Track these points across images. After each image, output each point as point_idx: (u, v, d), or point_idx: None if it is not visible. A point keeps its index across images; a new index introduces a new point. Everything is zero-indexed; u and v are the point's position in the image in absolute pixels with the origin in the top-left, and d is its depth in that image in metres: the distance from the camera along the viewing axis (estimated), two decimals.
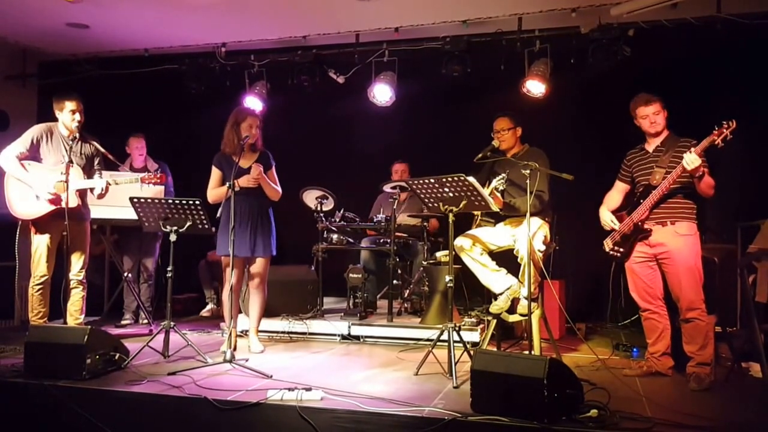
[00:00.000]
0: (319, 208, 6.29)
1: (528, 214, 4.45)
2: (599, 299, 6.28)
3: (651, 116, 4.56)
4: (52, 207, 5.07)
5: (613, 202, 4.84)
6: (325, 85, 6.98)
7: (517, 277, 4.87)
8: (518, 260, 4.81)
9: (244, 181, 4.98)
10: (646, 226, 4.51)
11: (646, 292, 4.60)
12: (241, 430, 3.62)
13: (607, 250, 4.75)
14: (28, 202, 5.10)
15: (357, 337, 5.80)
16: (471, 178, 4.34)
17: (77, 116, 5.16)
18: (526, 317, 4.69)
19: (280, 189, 5.21)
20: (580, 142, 6.48)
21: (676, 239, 4.42)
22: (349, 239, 6.50)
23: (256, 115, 5.26)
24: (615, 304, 5.20)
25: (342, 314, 6.20)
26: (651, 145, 4.65)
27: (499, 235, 5.03)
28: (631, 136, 4.81)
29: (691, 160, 4.18)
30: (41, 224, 5.15)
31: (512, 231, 4.98)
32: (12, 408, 4.04)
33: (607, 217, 4.73)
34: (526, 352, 4.59)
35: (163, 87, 7.38)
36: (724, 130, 4.14)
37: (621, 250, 4.65)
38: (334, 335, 5.83)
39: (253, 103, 6.95)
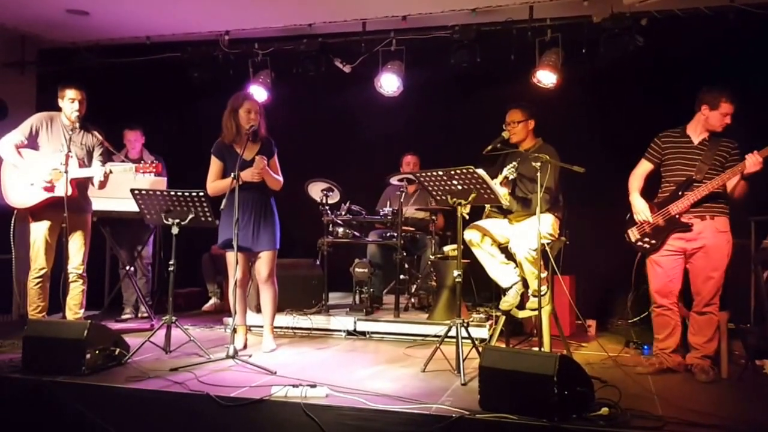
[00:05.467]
0: (324, 201, 6.29)
1: (538, 209, 4.46)
2: (610, 295, 6.30)
3: (729, 117, 4.50)
4: (47, 195, 5.11)
5: (640, 184, 4.78)
6: (331, 74, 6.97)
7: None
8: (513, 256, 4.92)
9: (247, 175, 4.87)
10: (684, 220, 4.50)
11: (666, 287, 4.60)
12: (244, 427, 3.64)
13: (633, 240, 4.72)
14: (23, 190, 5.13)
15: (363, 333, 5.81)
16: (480, 171, 4.34)
17: (76, 105, 5.18)
18: (536, 313, 4.71)
19: (281, 178, 5.13)
20: (592, 133, 6.48)
21: (716, 235, 4.45)
22: (355, 233, 6.50)
23: (253, 99, 5.18)
24: (626, 301, 5.20)
25: (348, 309, 6.21)
26: (697, 136, 4.60)
27: (507, 228, 5.04)
28: (644, 127, 4.80)
29: (753, 162, 4.25)
30: (39, 215, 5.18)
31: (518, 226, 5.00)
32: (10, 404, 4.05)
33: (641, 205, 4.67)
34: (536, 349, 4.60)
35: (165, 76, 7.38)
36: None
37: (653, 242, 4.63)
38: (340, 331, 5.85)
39: (258, 92, 6.94)
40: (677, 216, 4.52)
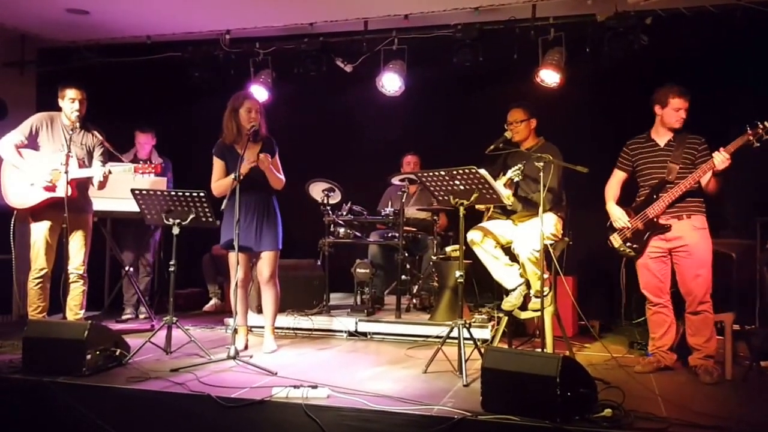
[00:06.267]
0: (325, 201, 6.31)
1: (541, 209, 4.47)
2: (613, 296, 6.30)
3: (683, 111, 4.60)
4: (48, 195, 5.13)
5: (616, 193, 4.89)
6: (333, 73, 6.97)
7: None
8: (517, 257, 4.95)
9: (245, 167, 4.82)
10: (662, 221, 4.55)
11: (658, 287, 4.68)
12: (245, 428, 3.65)
13: (617, 246, 4.78)
14: (23, 191, 5.16)
15: (364, 334, 5.83)
16: (482, 171, 4.36)
17: (76, 105, 5.21)
18: (539, 314, 4.72)
19: (283, 177, 5.14)
20: (595, 133, 6.47)
21: (694, 233, 4.51)
22: (357, 233, 6.51)
23: (254, 99, 5.21)
24: (629, 301, 5.22)
25: (349, 310, 6.23)
26: (662, 138, 4.70)
27: (510, 229, 5.06)
28: (648, 127, 4.81)
29: (722, 159, 4.31)
30: (39, 215, 5.20)
31: (521, 227, 5.01)
32: (10, 405, 4.07)
33: (618, 212, 4.77)
34: (539, 350, 4.62)
35: (165, 75, 7.38)
36: (760, 131, 4.24)
37: (635, 246, 4.68)
38: (341, 332, 5.87)
39: (258, 92, 6.95)
40: (655, 219, 4.60)
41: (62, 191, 5.00)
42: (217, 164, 5.09)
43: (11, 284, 5.72)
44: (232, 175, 4.73)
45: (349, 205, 6.42)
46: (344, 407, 3.59)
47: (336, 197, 6.38)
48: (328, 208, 6.33)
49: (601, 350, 5.21)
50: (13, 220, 5.26)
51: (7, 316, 6.77)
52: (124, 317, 6.70)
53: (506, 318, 5.07)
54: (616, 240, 4.78)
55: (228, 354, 4.60)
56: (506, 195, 4.84)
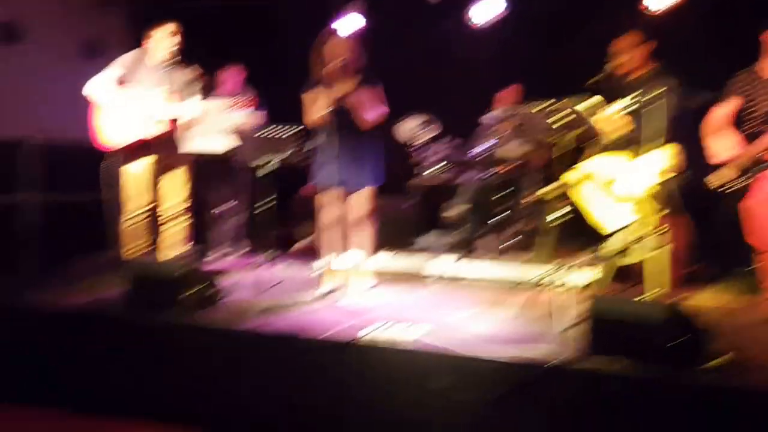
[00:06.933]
0: (418, 138, 6.22)
1: (651, 145, 4.29)
2: (729, 239, 6.03)
3: None
4: (142, 134, 5.24)
5: (716, 128, 4.65)
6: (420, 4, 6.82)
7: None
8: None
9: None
10: None
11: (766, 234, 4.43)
12: (333, 370, 3.69)
13: (717, 186, 4.58)
14: (117, 130, 5.26)
15: (457, 276, 5.79)
16: (583, 105, 4.21)
17: (176, 39, 5.26)
18: (647, 256, 4.55)
19: (381, 110, 5.07)
20: (716, 60, 6.11)
21: None
22: (450, 172, 6.42)
23: (339, 35, 5.17)
24: (742, 246, 4.97)
25: (442, 251, 6.19)
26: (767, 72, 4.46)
27: (615, 167, 4.88)
28: None
29: None
30: (133, 154, 5.32)
31: (627, 164, 4.83)
32: (103, 343, 4.22)
33: (719, 146, 4.54)
34: (644, 296, 4.47)
35: (252, 9, 7.36)
36: None
37: (738, 186, 4.48)
38: (433, 273, 5.84)
39: (353, 19, 6.82)
40: (762, 155, 4.35)
41: (158, 129, 5.09)
42: (308, 98, 5.04)
43: (106, 224, 5.94)
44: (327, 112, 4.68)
45: (446, 140, 6.30)
46: (435, 350, 3.57)
47: (429, 133, 6.28)
48: (421, 145, 6.25)
49: (713, 298, 5.02)
50: (108, 159, 5.42)
51: (104, 254, 7.04)
52: (208, 258, 6.84)
53: (609, 263, 4.92)
54: (718, 179, 4.55)
55: (317, 295, 4.66)
56: (611, 130, 4.64)
